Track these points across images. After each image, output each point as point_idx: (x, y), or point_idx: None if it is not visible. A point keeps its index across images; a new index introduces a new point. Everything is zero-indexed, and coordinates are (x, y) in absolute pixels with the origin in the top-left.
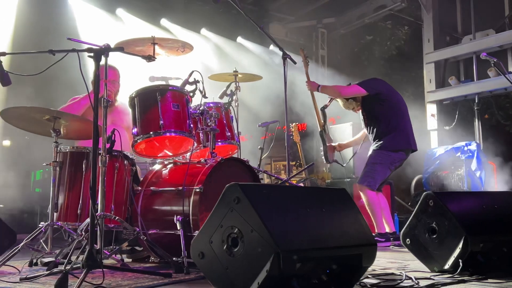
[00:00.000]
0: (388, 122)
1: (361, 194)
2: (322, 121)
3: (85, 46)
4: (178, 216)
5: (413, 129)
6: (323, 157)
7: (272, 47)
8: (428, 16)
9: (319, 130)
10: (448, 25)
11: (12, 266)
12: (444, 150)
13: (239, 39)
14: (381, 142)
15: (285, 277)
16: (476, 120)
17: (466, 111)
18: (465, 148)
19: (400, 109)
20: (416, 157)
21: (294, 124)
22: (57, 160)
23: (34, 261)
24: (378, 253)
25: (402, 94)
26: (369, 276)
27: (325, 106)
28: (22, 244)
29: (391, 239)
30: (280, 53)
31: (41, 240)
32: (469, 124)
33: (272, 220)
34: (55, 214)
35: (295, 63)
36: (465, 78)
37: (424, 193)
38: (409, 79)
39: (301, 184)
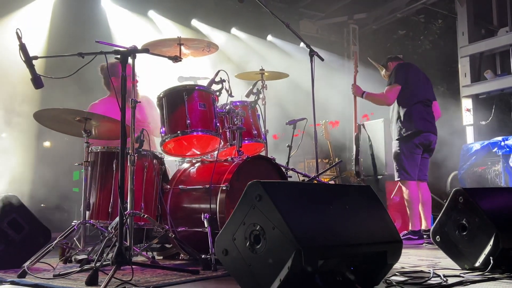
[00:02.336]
0: (405, 105)
1: (403, 188)
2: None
3: (113, 49)
4: (205, 214)
5: (448, 124)
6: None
7: (302, 44)
8: (462, 9)
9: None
10: (483, 17)
11: (47, 263)
12: (480, 145)
13: (269, 37)
14: (395, 128)
15: (308, 273)
16: None
17: (503, 105)
18: (502, 143)
19: (418, 95)
20: (452, 153)
21: (324, 121)
22: (89, 160)
23: (69, 258)
24: (410, 251)
25: (437, 89)
26: (396, 273)
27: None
28: (55, 242)
29: (425, 236)
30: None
31: (74, 238)
32: (506, 118)
33: (294, 217)
34: (87, 212)
35: (322, 60)
36: (501, 72)
37: (454, 189)
38: (444, 73)
39: (332, 182)
